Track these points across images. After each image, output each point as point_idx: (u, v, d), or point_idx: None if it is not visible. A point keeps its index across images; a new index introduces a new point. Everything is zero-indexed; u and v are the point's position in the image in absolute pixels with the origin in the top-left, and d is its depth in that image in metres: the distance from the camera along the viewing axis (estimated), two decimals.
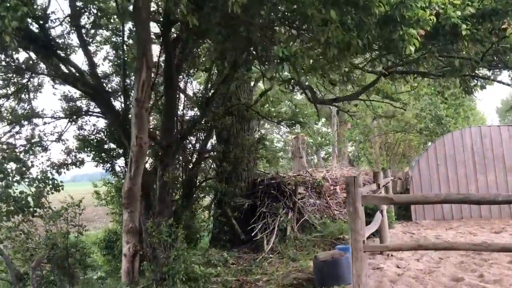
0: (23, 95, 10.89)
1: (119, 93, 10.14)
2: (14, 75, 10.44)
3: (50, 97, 14.44)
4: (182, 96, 9.73)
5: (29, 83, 10.60)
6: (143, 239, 7.78)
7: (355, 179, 5.44)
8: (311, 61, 5.04)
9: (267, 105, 11.14)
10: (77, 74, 7.86)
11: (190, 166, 10.04)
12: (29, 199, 8.89)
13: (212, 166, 11.62)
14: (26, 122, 10.98)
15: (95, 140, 10.14)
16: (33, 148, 10.48)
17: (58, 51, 7.97)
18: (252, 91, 11.80)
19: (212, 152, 10.72)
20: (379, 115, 10.70)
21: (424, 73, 8.04)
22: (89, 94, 8.48)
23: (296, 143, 17.50)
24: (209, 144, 10.74)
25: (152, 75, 7.48)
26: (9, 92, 10.61)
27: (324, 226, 11.46)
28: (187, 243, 10.10)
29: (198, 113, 9.71)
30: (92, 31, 8.89)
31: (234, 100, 10.98)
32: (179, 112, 9.54)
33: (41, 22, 7.60)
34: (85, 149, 10.25)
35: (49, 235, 8.10)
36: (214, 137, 11.62)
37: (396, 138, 24.85)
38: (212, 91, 9.37)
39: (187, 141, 10.31)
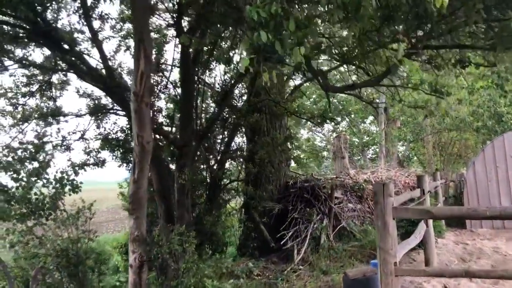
0: (48, 93, 10.61)
1: None
2: (38, 71, 10.15)
3: (73, 96, 14.23)
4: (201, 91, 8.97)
5: (51, 80, 10.28)
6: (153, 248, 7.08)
7: (384, 186, 4.43)
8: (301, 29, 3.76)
9: (298, 100, 10.15)
10: (85, 68, 7.27)
11: (214, 167, 9.28)
12: (47, 200, 8.50)
13: (241, 167, 10.83)
14: (51, 120, 10.70)
15: (116, 139, 9.63)
16: (54, 147, 10.16)
17: (63, 44, 7.42)
18: (284, 86, 10.87)
19: (238, 152, 9.90)
20: (409, 105, 9.29)
21: (465, 45, 6.36)
22: (103, 90, 7.93)
23: (338, 143, 16.32)
24: (238, 143, 9.90)
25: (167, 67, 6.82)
26: (32, 89, 10.34)
27: (364, 234, 10.33)
28: (212, 251, 9.39)
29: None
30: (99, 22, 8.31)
31: (264, 95, 10.11)
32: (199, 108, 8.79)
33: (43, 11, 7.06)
34: (106, 148, 9.78)
35: (59, 241, 7.60)
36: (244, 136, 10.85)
37: (450, 137, 23.01)
38: (230, 84, 8.52)
39: (213, 139, 9.55)
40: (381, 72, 6.95)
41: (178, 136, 7.69)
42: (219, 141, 9.81)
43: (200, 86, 8.60)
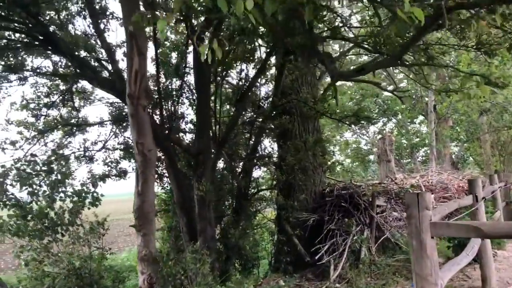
0: (70, 103, 10.29)
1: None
2: (59, 81, 9.84)
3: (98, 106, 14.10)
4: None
5: (72, 89, 9.94)
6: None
7: (419, 197, 3.50)
8: None
9: (329, 100, 9.17)
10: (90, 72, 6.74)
11: (240, 176, 8.52)
12: (66, 215, 8.08)
13: (275, 175, 9.99)
14: (74, 130, 10.38)
15: None
16: (77, 158, 9.79)
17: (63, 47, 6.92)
18: (316, 85, 9.95)
19: (267, 158, 9.08)
20: (440, 90, 8.02)
21: None
22: (114, 94, 7.39)
23: (383, 145, 15.10)
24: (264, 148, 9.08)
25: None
26: (53, 99, 10.04)
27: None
28: (242, 267, 8.64)
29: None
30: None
31: (294, 96, 9.25)
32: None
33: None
34: (127, 158, 9.28)
35: (72, 259, 7.08)
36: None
37: (511, 135, 21.10)
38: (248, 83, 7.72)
39: (235, 146, 8.79)
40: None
41: (195, 144, 6.97)
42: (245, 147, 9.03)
43: (220, 88, 7.88)
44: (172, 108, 9.19)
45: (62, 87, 10.11)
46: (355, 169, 23.01)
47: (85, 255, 7.12)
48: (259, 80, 8.51)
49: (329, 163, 10.01)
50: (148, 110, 4.99)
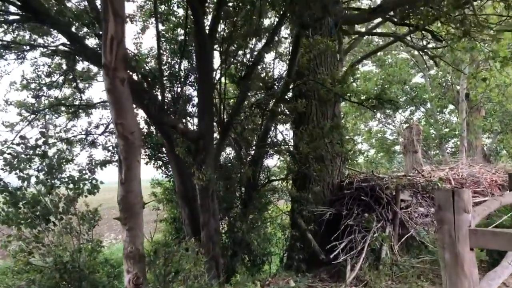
0: (74, 83, 9.68)
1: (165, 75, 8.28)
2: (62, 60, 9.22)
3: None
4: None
5: (74, 68, 9.30)
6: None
7: (454, 195, 2.65)
8: None
9: (350, 81, 8.23)
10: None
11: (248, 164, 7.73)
12: (62, 203, 7.49)
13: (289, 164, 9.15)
14: (79, 112, 9.79)
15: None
16: (78, 141, 9.20)
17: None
18: (336, 66, 9.01)
19: (281, 146, 8.25)
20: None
21: None
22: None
23: (409, 135, 14.09)
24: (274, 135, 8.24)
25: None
26: (54, 79, 9.43)
27: None
28: (251, 263, 7.92)
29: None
30: None
31: (311, 76, 8.36)
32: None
33: None
34: None
35: (59, 252, 6.44)
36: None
37: None
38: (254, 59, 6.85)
39: (244, 130, 7.99)
40: None
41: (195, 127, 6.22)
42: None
43: (225, 65, 7.05)
44: (179, 89, 8.46)
45: (64, 67, 9.48)
46: (379, 160, 21.93)
47: (74, 248, 6.48)
48: (271, 58, 7.67)
49: (349, 152, 9.08)
50: (129, 83, 4.22)
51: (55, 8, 6.29)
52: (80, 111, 9.95)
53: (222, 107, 6.94)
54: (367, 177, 9.16)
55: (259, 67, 7.74)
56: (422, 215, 9.27)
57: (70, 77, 9.53)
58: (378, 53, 19.12)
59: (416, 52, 20.90)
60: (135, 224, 5.17)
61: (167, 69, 8.42)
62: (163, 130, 6.92)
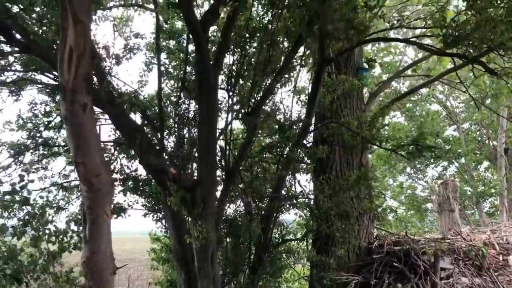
0: None
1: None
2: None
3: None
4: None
5: None
6: None
7: None
8: None
9: (381, 124, 7.09)
10: None
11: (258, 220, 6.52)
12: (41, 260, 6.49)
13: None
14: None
15: (133, 178, 7.36)
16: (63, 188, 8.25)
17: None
18: (364, 109, 7.92)
19: (299, 198, 7.06)
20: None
21: None
22: None
23: (445, 191, 12.65)
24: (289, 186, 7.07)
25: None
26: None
27: None
28: None
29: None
30: None
31: (334, 118, 7.30)
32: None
33: None
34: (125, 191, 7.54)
35: None
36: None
37: None
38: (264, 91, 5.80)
39: (264, 180, 6.85)
40: None
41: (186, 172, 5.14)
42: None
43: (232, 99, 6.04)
44: (184, 130, 7.46)
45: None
46: (409, 218, 20.26)
47: None
48: (288, 99, 6.65)
49: (379, 209, 7.80)
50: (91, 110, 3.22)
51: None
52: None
53: (228, 148, 5.84)
54: (400, 239, 7.81)
55: (273, 106, 6.77)
56: (466, 286, 7.83)
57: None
58: (407, 105, 18.06)
59: (448, 103, 19.77)
60: None
61: (172, 108, 7.49)
62: (156, 176, 5.90)
